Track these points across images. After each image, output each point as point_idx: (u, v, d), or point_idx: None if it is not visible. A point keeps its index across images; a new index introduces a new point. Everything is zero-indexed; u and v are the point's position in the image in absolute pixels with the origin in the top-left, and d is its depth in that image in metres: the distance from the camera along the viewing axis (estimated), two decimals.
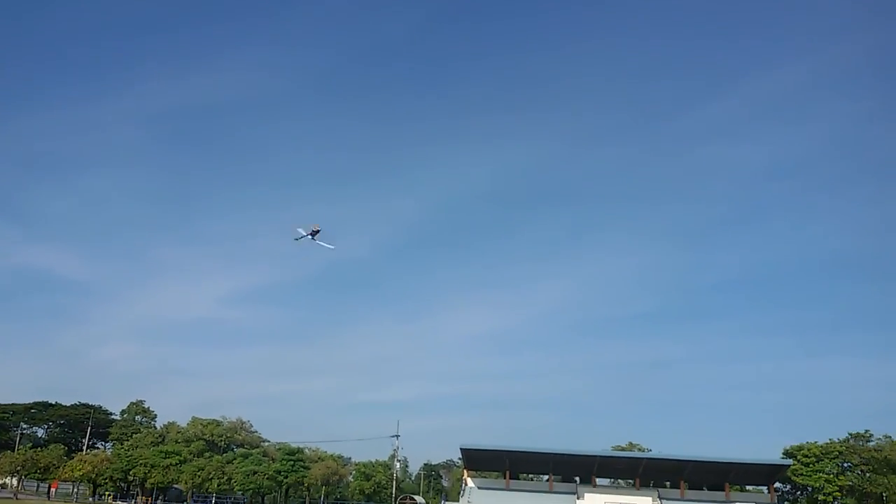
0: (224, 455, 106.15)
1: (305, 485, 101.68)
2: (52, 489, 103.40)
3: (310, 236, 60.23)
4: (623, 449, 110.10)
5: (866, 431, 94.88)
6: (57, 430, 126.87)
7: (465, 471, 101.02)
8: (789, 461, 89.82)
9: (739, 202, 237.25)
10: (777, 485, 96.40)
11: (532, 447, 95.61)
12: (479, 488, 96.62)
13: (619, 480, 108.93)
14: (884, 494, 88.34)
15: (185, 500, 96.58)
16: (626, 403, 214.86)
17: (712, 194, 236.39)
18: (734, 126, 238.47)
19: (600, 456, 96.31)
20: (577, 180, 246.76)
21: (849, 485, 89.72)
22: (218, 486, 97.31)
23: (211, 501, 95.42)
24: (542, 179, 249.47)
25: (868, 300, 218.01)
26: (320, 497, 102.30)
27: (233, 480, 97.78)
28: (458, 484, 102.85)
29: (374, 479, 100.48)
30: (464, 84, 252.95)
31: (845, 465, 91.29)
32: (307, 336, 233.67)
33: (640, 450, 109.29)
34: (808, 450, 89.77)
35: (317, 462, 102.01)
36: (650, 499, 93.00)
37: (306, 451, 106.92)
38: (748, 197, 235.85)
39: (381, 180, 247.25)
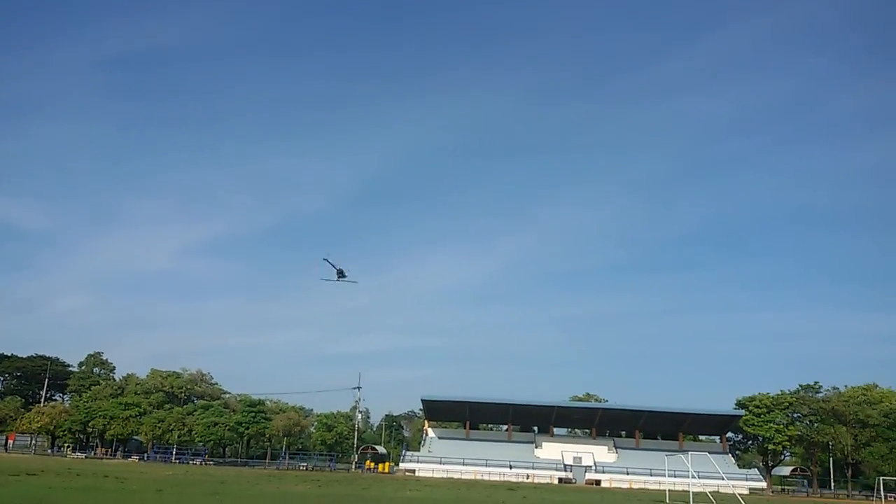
0: (184, 407, 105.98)
1: (267, 436, 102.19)
2: (10, 441, 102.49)
3: (336, 279, 60.38)
4: (581, 399, 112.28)
5: (815, 383, 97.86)
6: (13, 382, 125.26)
7: (426, 421, 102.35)
8: (741, 412, 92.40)
9: (702, 156, 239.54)
10: (729, 434, 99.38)
11: (492, 398, 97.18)
12: (439, 438, 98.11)
13: (577, 430, 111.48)
14: (829, 443, 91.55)
15: (146, 452, 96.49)
16: (586, 355, 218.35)
17: (676, 148, 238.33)
18: (697, 80, 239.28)
19: (558, 406, 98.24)
20: (540, 134, 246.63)
21: (797, 434, 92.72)
22: (178, 437, 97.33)
23: (171, 453, 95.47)
24: (504, 133, 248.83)
25: (826, 254, 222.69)
26: (282, 448, 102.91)
27: (193, 432, 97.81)
28: (419, 434, 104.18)
29: (335, 430, 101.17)
30: (425, 38, 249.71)
31: (795, 415, 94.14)
32: (268, 289, 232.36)
33: (597, 400, 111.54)
34: (760, 401, 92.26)
35: (278, 414, 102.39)
36: (606, 447, 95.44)
37: (268, 402, 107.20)
38: (711, 151, 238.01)
39: (341, 135, 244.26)
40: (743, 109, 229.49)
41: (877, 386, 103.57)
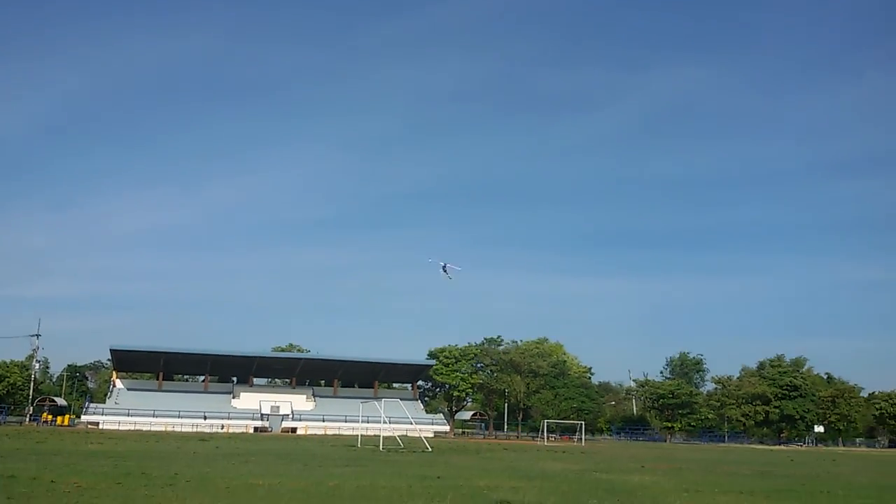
0: None
1: None
2: None
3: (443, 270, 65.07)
4: (283, 350, 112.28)
5: (498, 337, 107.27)
6: None
7: (114, 372, 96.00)
8: (432, 362, 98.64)
9: (422, 119, 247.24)
10: (420, 382, 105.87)
11: (188, 348, 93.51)
12: (128, 389, 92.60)
13: (277, 380, 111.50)
14: (506, 391, 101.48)
15: None
16: (289, 306, 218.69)
17: (397, 110, 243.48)
18: (420, 47, 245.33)
19: (259, 357, 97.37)
20: (260, 82, 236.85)
21: (479, 382, 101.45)
22: None
23: None
24: (219, 76, 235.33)
25: (517, 221, 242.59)
26: None
27: None
28: (106, 385, 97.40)
29: (7, 380, 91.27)
30: None
31: (478, 365, 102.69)
32: None
33: (299, 351, 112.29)
34: (449, 352, 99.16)
35: None
36: (304, 396, 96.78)
37: None
38: (431, 114, 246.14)
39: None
40: (464, 79, 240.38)
41: (547, 340, 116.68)
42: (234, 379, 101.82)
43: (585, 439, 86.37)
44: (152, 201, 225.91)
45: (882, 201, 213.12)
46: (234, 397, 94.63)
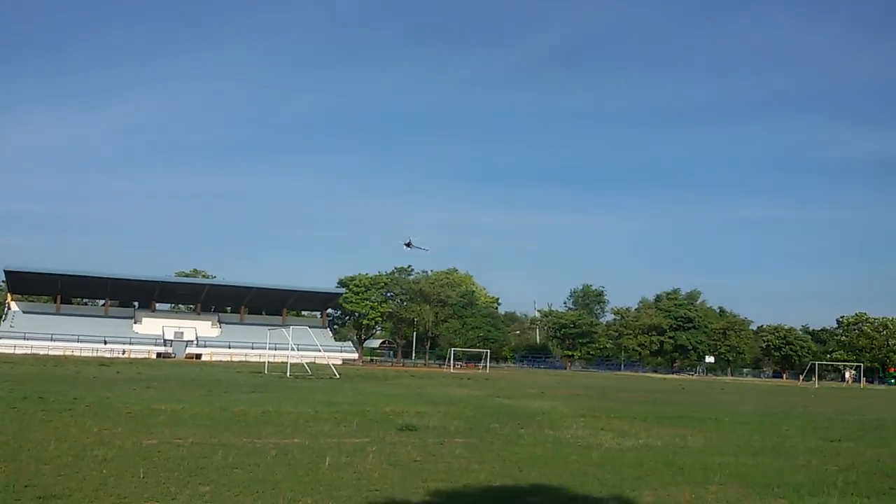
0: None
1: None
2: None
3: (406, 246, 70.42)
4: (187, 275, 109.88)
5: (409, 266, 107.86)
6: None
7: (9, 295, 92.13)
8: (342, 290, 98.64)
9: (332, 44, 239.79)
10: (329, 310, 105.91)
11: (88, 271, 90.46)
12: (24, 312, 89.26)
13: (181, 306, 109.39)
14: (415, 319, 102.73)
15: None
16: (194, 231, 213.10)
17: (307, 34, 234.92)
18: None
19: (162, 281, 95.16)
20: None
21: (389, 311, 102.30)
22: None
23: None
24: None
25: (420, 149, 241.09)
26: None
27: None
28: (0, 308, 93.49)
29: None
30: None
31: (388, 294, 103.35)
32: None
33: (204, 276, 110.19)
34: (360, 280, 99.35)
35: None
36: (210, 323, 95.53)
37: None
38: (324, 43, 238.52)
39: None
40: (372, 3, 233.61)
41: (456, 270, 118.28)
42: (136, 304, 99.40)
43: (490, 367, 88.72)
44: (51, 118, 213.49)
45: (772, 144, 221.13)
46: (135, 322, 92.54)
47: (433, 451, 14.15)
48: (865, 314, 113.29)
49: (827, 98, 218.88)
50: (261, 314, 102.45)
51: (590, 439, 17.02)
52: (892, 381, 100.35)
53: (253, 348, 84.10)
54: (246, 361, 77.83)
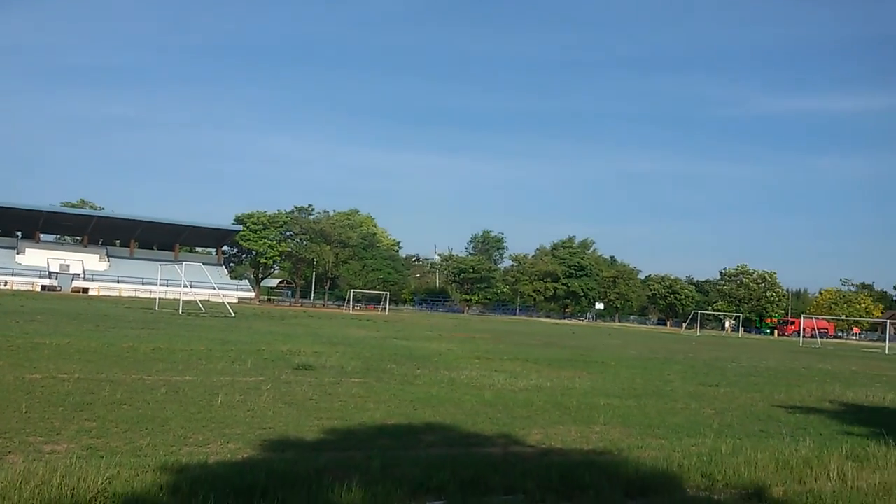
0: None
1: None
2: None
3: None
4: (74, 206, 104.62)
5: (309, 206, 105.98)
6: None
7: None
8: (239, 227, 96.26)
9: None
10: (226, 248, 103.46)
11: None
12: None
13: (67, 237, 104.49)
14: (314, 260, 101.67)
15: None
16: (80, 159, 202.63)
17: None
18: None
19: (46, 211, 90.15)
20: None
21: (288, 251, 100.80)
22: None
23: None
24: None
25: (321, 87, 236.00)
26: None
27: None
28: None
29: None
30: None
31: (287, 233, 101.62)
32: None
33: (92, 207, 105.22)
34: (258, 218, 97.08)
35: None
36: (97, 256, 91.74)
37: None
38: None
39: None
40: None
41: (358, 212, 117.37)
42: (19, 234, 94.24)
43: (389, 309, 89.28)
44: None
45: (666, 99, 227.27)
46: (18, 253, 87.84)
47: (329, 390, 14.19)
48: (746, 266, 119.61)
49: (719, 57, 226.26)
50: (152, 249, 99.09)
51: (483, 380, 17.45)
52: (768, 331, 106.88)
53: (144, 284, 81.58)
54: (136, 297, 75.41)
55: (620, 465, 8.46)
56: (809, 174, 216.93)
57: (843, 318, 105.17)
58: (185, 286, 55.25)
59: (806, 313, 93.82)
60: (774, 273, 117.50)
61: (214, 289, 64.74)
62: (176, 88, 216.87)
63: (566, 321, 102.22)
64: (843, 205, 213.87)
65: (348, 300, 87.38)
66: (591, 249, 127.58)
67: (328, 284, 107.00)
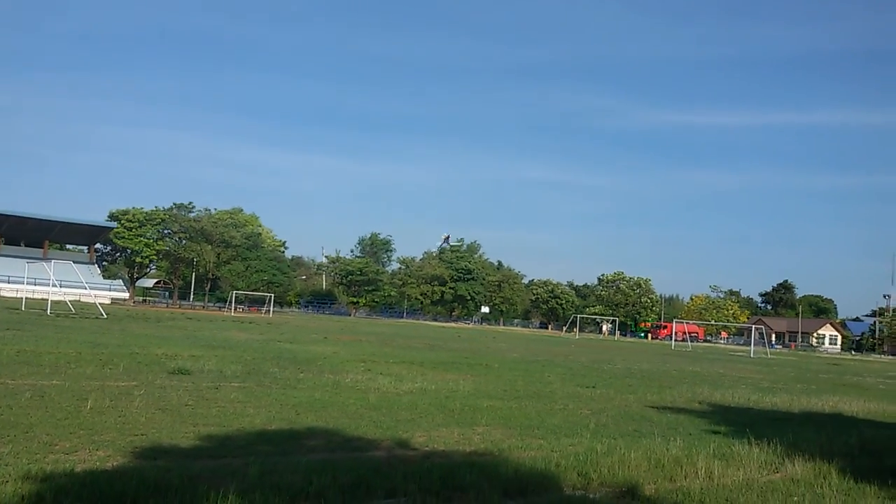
0: None
1: None
2: None
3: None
4: None
5: (189, 203, 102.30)
6: None
7: None
8: (114, 224, 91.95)
9: None
10: (98, 246, 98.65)
11: None
12: None
13: None
14: (195, 259, 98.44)
15: None
16: None
17: None
18: None
19: None
20: None
21: (166, 249, 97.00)
22: None
23: None
24: None
25: (212, 82, 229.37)
26: None
27: None
28: None
29: None
30: None
31: (165, 231, 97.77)
32: None
33: None
34: (133, 215, 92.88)
35: None
36: None
37: None
38: None
39: None
40: None
41: (241, 211, 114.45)
42: None
43: (274, 311, 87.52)
44: None
45: (552, 109, 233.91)
46: None
47: (207, 395, 13.76)
48: (623, 273, 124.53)
49: (603, 70, 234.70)
50: (19, 245, 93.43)
51: (368, 383, 17.36)
52: (642, 334, 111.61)
53: (9, 283, 76.89)
54: (1, 297, 70.86)
55: (500, 465, 8.61)
56: (684, 187, 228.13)
57: (713, 322, 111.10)
58: (55, 285, 52.38)
59: (678, 318, 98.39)
60: (649, 279, 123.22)
61: (86, 288, 61.55)
62: (46, 76, 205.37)
63: (452, 324, 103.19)
64: (714, 216, 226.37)
65: (230, 302, 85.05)
66: (478, 253, 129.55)
67: (209, 285, 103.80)
